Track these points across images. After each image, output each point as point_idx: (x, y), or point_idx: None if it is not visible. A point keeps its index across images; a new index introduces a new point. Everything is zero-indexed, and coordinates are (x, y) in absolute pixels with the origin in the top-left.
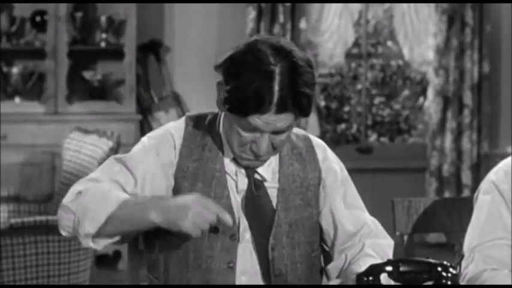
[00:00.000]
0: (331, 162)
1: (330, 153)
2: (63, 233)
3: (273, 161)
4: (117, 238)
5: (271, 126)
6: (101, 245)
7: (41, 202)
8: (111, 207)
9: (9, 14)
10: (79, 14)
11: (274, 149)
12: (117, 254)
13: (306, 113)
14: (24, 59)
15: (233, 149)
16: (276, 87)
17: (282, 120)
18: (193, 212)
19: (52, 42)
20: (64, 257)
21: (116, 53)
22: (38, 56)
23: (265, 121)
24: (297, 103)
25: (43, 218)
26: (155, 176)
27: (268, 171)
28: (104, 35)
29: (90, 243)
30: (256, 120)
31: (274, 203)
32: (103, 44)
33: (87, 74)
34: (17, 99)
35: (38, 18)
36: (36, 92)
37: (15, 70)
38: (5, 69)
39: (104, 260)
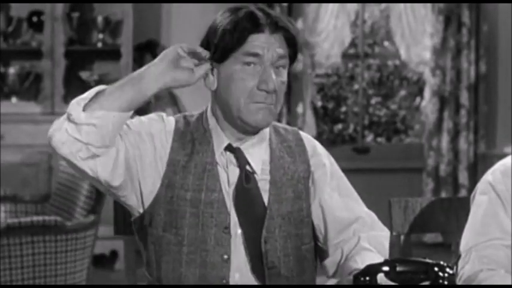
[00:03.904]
0: (320, 156)
1: (320, 147)
2: (57, 136)
3: (264, 153)
4: (111, 105)
5: (271, 50)
6: (93, 114)
7: (38, 202)
8: (102, 86)
9: (6, 14)
10: (76, 14)
11: (277, 93)
12: (114, 254)
13: (294, 38)
14: (21, 59)
15: (240, 104)
16: (260, 14)
17: (278, 43)
18: (175, 46)
19: (49, 42)
20: (61, 257)
21: (112, 53)
22: (35, 56)
23: (264, 44)
24: (283, 24)
25: (40, 218)
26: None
27: (259, 163)
28: (100, 35)
29: (80, 114)
30: (255, 45)
31: (265, 196)
32: (100, 44)
33: (84, 74)
34: (14, 100)
35: (34, 19)
36: (33, 92)
37: (12, 70)
38: (1, 69)
39: (100, 260)
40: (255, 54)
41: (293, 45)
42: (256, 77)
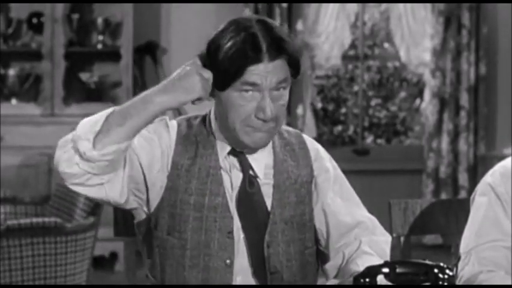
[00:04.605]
0: (323, 160)
1: (322, 151)
2: (67, 170)
3: (267, 157)
4: (120, 137)
5: (270, 78)
6: (105, 150)
7: (38, 204)
8: (107, 111)
9: (6, 15)
10: (75, 16)
11: (276, 118)
12: (113, 256)
13: (296, 60)
14: (20, 61)
15: (236, 127)
16: (261, 38)
17: (278, 69)
18: (196, 79)
19: (49, 43)
20: (61, 258)
21: (112, 55)
22: (35, 58)
23: (263, 73)
24: (285, 48)
25: (39, 219)
26: (154, 159)
27: (262, 167)
28: (100, 37)
29: (93, 153)
30: (253, 75)
31: (268, 200)
32: (99, 46)
33: (84, 76)
34: (14, 101)
35: (34, 20)
36: (32, 93)
37: (11, 72)
38: (1, 71)
39: (100, 262)
40: (253, 84)
41: (295, 65)
42: (254, 103)
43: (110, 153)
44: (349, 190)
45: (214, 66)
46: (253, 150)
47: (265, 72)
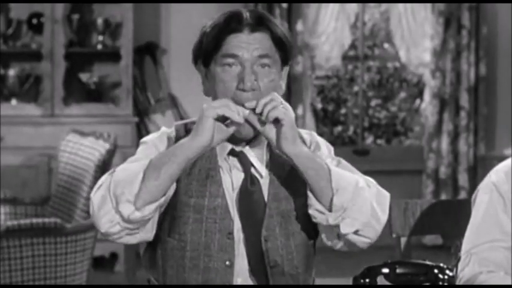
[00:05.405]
0: (317, 142)
1: (318, 138)
2: (109, 231)
3: (265, 153)
4: (159, 190)
5: (250, 50)
6: (147, 211)
7: (38, 204)
8: (142, 165)
9: (6, 16)
10: (76, 16)
11: (260, 88)
12: (113, 256)
13: (280, 39)
14: (20, 61)
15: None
16: (245, 14)
17: (258, 42)
18: (207, 122)
19: (49, 44)
20: (61, 259)
21: (112, 55)
22: (35, 58)
23: (243, 44)
24: (266, 22)
25: (39, 220)
26: None
27: (263, 165)
28: (100, 37)
29: (136, 215)
30: (233, 46)
31: (266, 196)
32: (99, 46)
33: (84, 76)
34: (14, 102)
35: (34, 21)
36: (32, 94)
37: (11, 72)
38: (1, 71)
39: (100, 262)
40: (232, 56)
41: (281, 45)
42: (237, 78)
43: (152, 212)
44: (347, 165)
45: (200, 44)
46: (251, 146)
47: (246, 43)
